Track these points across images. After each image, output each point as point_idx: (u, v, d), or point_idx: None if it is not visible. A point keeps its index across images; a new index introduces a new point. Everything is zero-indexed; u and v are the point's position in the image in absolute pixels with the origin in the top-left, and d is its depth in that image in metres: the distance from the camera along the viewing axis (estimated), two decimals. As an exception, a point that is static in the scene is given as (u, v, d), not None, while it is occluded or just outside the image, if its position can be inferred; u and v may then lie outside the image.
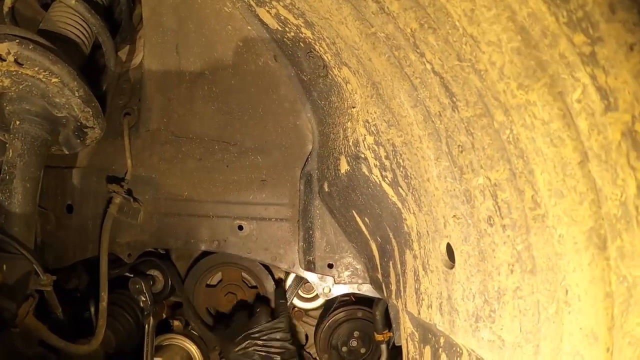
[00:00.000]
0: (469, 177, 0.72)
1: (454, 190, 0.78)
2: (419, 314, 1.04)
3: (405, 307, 1.14)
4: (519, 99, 0.57)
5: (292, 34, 1.18)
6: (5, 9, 1.44)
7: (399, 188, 0.98)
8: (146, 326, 1.50)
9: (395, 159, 0.95)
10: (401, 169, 0.94)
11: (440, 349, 0.99)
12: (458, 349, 0.89)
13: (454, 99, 0.69)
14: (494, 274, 0.70)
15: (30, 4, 1.56)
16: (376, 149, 1.00)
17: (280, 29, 1.21)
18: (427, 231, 0.92)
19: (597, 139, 0.50)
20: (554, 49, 0.50)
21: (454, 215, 0.79)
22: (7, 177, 1.28)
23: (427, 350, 1.07)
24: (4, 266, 1.21)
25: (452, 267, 0.84)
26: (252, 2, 1.24)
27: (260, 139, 1.48)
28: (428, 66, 0.73)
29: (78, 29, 1.45)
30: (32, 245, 1.31)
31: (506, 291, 0.68)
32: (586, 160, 0.51)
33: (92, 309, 1.58)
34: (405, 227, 1.04)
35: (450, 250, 0.84)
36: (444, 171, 0.79)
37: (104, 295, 1.42)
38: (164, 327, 1.74)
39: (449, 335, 0.90)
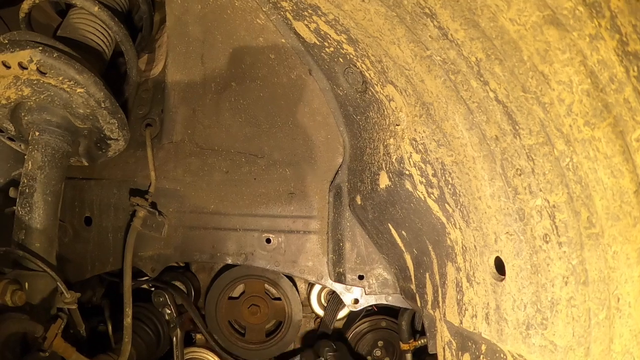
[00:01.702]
0: (525, 197, 0.88)
1: (507, 209, 0.94)
2: (461, 323, 1.20)
3: (444, 316, 1.30)
4: (585, 134, 0.73)
5: (332, 49, 1.32)
6: (22, 15, 1.51)
7: (446, 204, 1.13)
8: (174, 339, 1.61)
9: (443, 177, 1.10)
10: (449, 186, 1.09)
11: (482, 356, 1.15)
12: (502, 355, 1.05)
13: (517, 127, 0.85)
14: (548, 286, 0.86)
15: (46, 11, 1.65)
16: (423, 166, 1.15)
17: (318, 43, 1.35)
18: (475, 245, 1.08)
19: (649, 172, 0.66)
20: (620, 94, 0.66)
21: (507, 232, 0.95)
22: (27, 191, 1.34)
23: (466, 358, 1.23)
24: (26, 284, 1.29)
25: (501, 279, 1.00)
26: (289, 16, 1.37)
27: (289, 152, 1.61)
28: (491, 94, 0.88)
29: (99, 36, 1.54)
30: (54, 261, 1.38)
31: (560, 301, 0.84)
32: (640, 190, 0.68)
33: (109, 322, 1.68)
34: (448, 241, 1.20)
35: (499, 264, 1.00)
36: (498, 191, 0.95)
37: (129, 310, 1.52)
38: (186, 341, 1.85)
39: (495, 343, 1.06)
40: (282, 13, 1.37)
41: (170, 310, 1.62)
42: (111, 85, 1.52)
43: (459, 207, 1.10)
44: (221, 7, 1.46)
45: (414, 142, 1.15)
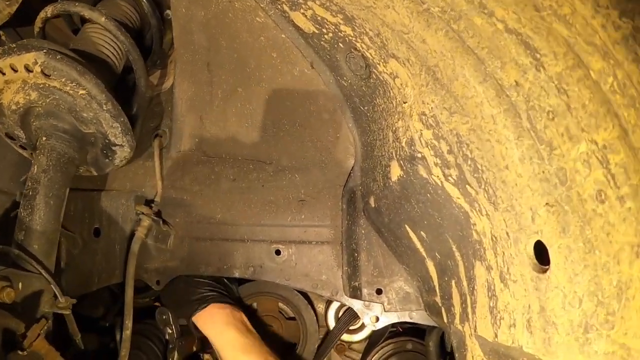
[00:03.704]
0: (564, 149, 0.62)
1: (543, 172, 0.68)
2: (496, 337, 0.90)
3: (475, 331, 1.00)
4: (624, 29, 0.48)
5: (330, 34, 1.15)
6: (36, 29, 1.46)
7: (467, 186, 0.88)
8: (169, 361, 1.38)
9: (460, 152, 0.86)
10: (469, 161, 0.84)
11: (526, 379, 0.83)
12: (554, 376, 0.74)
13: (538, 55, 0.61)
14: (611, 265, 0.58)
15: (61, 29, 1.61)
16: (436, 144, 0.91)
17: (316, 31, 1.19)
18: (507, 232, 0.80)
19: None
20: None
21: (547, 204, 0.68)
22: (30, 193, 1.26)
23: (507, 383, 0.91)
24: (20, 284, 1.15)
25: (544, 270, 0.72)
26: (285, 8, 1.23)
27: (298, 156, 1.42)
28: (500, 25, 0.66)
29: (109, 49, 1.47)
30: (52, 265, 1.27)
31: (631, 282, 0.55)
32: None
33: (118, 337, 1.49)
34: (475, 235, 0.93)
35: (541, 250, 0.72)
36: (528, 151, 0.70)
37: (129, 323, 1.33)
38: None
39: (541, 358, 0.76)
40: (279, 6, 1.24)
41: (172, 330, 1.40)
42: (123, 98, 1.44)
43: (482, 186, 0.84)
44: (223, 11, 1.35)
45: (424, 117, 0.92)
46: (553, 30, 0.58)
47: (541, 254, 0.73)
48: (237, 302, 1.54)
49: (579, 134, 0.58)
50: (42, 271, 1.16)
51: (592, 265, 0.61)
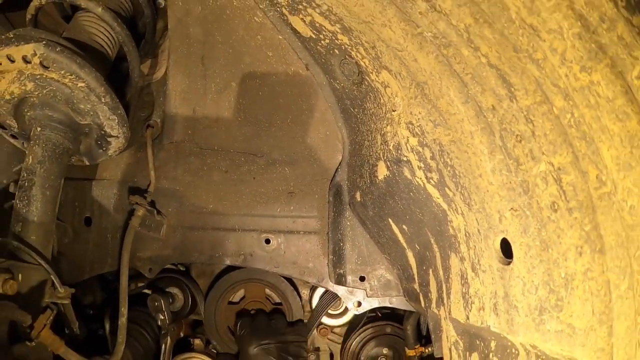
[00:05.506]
0: (528, 166, 0.79)
1: (510, 182, 0.84)
2: (468, 319, 1.08)
3: (450, 314, 1.18)
4: (582, 81, 0.64)
5: (327, 41, 1.27)
6: (28, 16, 1.48)
7: (446, 188, 1.04)
8: (163, 346, 1.50)
9: (442, 159, 1.01)
10: (449, 168, 1.00)
11: (492, 354, 1.02)
12: (514, 350, 0.93)
13: (512, 89, 0.77)
14: (560, 261, 0.75)
15: (52, 15, 1.63)
16: (420, 150, 1.06)
17: (314, 36, 1.30)
18: (479, 230, 0.97)
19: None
20: (612, 32, 0.58)
21: (512, 208, 0.85)
22: (26, 184, 1.29)
23: (475, 358, 1.10)
24: (20, 276, 1.21)
25: (508, 262, 0.89)
26: (285, 11, 1.33)
27: (288, 150, 1.54)
28: (483, 60, 0.81)
29: (103, 39, 1.51)
30: (49, 255, 1.32)
31: (575, 275, 0.73)
32: (654, 134, 0.58)
33: (107, 326, 1.59)
34: (451, 230, 1.10)
35: (506, 246, 0.90)
36: (499, 164, 0.86)
37: (124, 310, 1.43)
38: (184, 346, 1.74)
39: (506, 336, 0.94)
40: (278, 9, 1.34)
41: (164, 316, 1.52)
42: (115, 86, 1.50)
43: (459, 189, 1.00)
44: (220, 7, 1.43)
45: (411, 126, 1.07)
46: (527, 70, 0.73)
47: (506, 248, 0.91)
48: None
49: (539, 156, 0.75)
50: (42, 262, 1.21)
51: (546, 260, 0.79)
